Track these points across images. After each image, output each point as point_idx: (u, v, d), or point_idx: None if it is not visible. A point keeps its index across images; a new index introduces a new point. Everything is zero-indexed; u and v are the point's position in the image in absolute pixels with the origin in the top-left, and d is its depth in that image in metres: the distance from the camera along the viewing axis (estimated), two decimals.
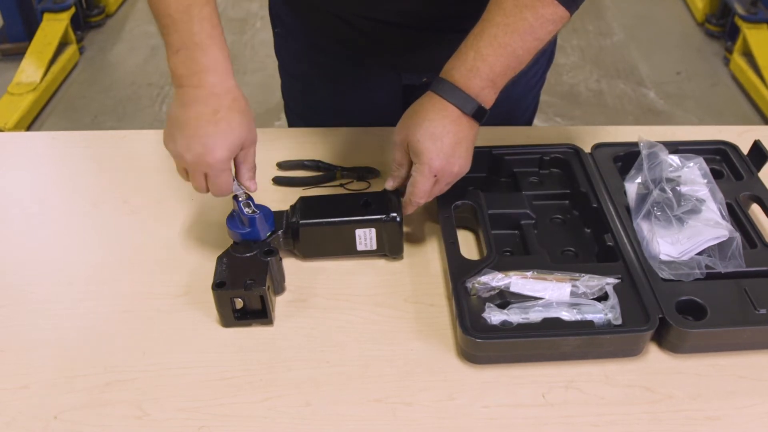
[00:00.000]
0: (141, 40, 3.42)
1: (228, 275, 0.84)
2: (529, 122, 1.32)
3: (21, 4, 3.10)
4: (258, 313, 0.86)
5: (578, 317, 0.82)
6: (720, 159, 1.07)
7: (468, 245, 0.97)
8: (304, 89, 1.26)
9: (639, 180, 0.98)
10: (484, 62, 0.83)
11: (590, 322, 0.81)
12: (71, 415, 0.77)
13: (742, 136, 1.13)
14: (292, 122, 1.34)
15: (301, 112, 1.30)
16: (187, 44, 0.81)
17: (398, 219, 0.91)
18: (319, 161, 1.10)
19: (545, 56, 1.21)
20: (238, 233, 0.89)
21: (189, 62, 0.81)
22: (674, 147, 1.03)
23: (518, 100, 1.23)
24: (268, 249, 0.87)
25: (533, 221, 0.96)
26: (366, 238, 0.92)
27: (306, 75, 1.23)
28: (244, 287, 0.83)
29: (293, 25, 1.18)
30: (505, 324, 0.81)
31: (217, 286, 0.83)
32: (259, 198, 0.92)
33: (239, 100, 0.84)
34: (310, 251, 0.94)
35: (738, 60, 3.07)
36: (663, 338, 0.83)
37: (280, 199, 1.03)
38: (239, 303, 0.84)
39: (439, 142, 0.85)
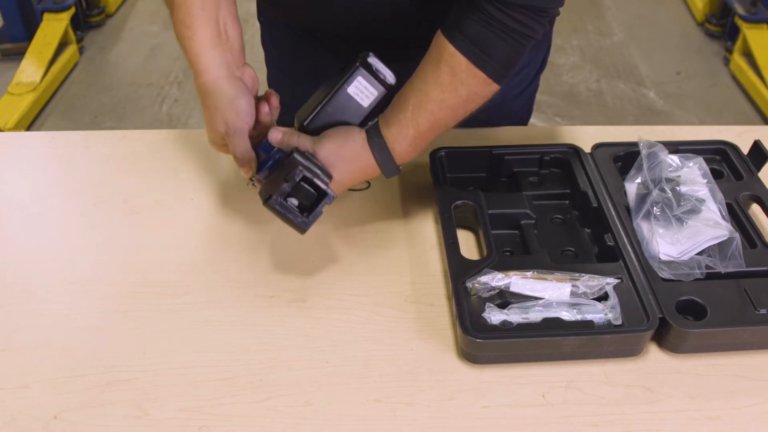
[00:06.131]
0: (141, 40, 3.41)
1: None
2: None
3: (21, 4, 3.09)
4: (298, 210, 0.85)
5: (578, 317, 0.82)
6: (720, 159, 1.07)
7: (468, 245, 0.97)
8: (287, 80, 1.26)
9: (639, 180, 0.98)
10: (422, 139, 0.88)
11: (590, 322, 0.81)
12: (71, 415, 0.77)
13: (742, 136, 1.13)
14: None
15: (286, 102, 1.31)
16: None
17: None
18: None
19: (535, 63, 1.18)
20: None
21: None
22: (674, 147, 1.03)
23: (498, 106, 1.21)
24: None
25: (533, 221, 0.96)
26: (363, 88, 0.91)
27: (290, 66, 1.23)
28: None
29: (276, 20, 1.19)
30: (505, 324, 0.81)
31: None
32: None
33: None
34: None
35: (738, 60, 3.07)
36: (663, 338, 0.83)
37: None
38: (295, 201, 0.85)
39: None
